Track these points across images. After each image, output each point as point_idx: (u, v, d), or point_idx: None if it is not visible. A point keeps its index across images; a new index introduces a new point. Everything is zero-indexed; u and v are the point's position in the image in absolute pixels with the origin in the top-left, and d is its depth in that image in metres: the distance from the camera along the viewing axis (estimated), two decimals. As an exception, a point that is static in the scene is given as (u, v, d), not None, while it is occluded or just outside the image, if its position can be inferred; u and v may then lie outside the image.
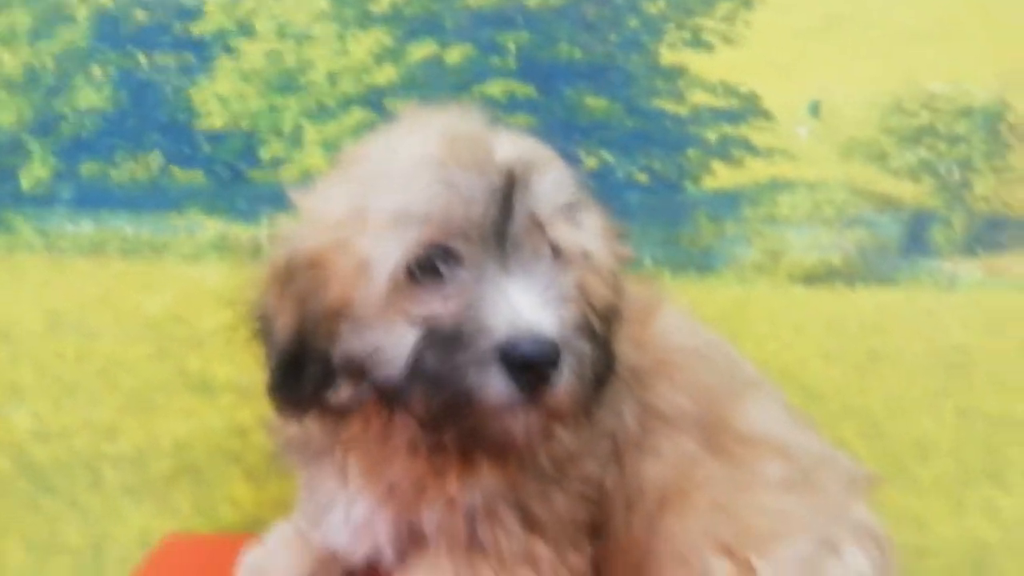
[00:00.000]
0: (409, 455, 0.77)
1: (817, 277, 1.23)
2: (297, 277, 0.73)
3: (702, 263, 1.22)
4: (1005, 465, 1.24)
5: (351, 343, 0.70)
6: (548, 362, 0.64)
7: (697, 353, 0.90)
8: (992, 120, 1.21)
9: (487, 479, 0.78)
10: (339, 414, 0.75)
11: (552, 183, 0.71)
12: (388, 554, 0.86)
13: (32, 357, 1.20)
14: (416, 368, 0.67)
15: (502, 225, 0.68)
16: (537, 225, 0.69)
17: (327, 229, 0.72)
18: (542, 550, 0.81)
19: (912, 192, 1.23)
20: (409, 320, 0.68)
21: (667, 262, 1.21)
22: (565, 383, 0.66)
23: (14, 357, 1.20)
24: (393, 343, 0.68)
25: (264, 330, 0.77)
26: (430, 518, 0.80)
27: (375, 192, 0.71)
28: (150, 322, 1.20)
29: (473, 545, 0.80)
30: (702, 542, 0.80)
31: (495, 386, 0.64)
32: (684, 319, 0.93)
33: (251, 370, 1.16)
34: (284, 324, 0.73)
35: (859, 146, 1.21)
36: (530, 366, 0.64)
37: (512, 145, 0.73)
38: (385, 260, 0.68)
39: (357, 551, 0.88)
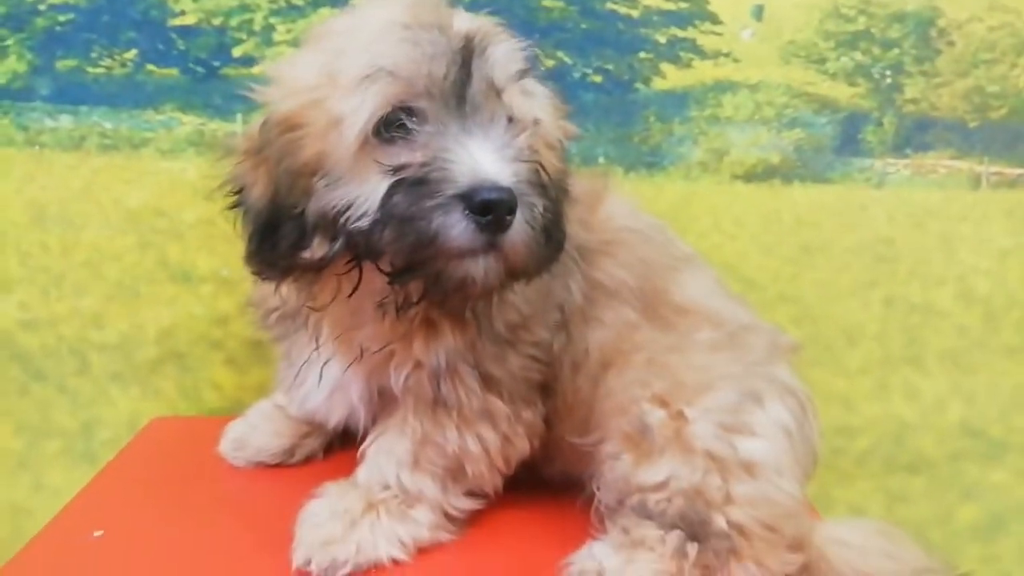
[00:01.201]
0: (377, 318, 0.83)
1: (757, 175, 1.31)
2: (272, 141, 0.78)
3: (651, 161, 1.29)
4: (925, 350, 1.36)
5: (325, 198, 0.76)
6: (506, 207, 0.71)
7: (638, 233, 0.98)
8: (923, 25, 1.29)
9: (449, 342, 0.85)
10: (314, 274, 0.80)
11: (507, 52, 0.78)
12: (361, 415, 0.94)
13: (18, 249, 1.24)
14: (386, 213, 0.73)
15: (462, 87, 0.75)
16: (493, 89, 0.76)
17: (300, 92, 0.77)
18: (499, 407, 0.88)
19: (847, 94, 1.30)
20: (379, 171, 0.74)
21: (619, 160, 1.28)
22: (520, 230, 0.73)
23: (1, 249, 1.23)
24: (365, 193, 0.74)
25: (241, 200, 0.81)
26: (397, 379, 0.87)
27: (345, 56, 0.76)
28: (132, 214, 1.24)
29: (437, 404, 0.88)
30: (639, 395, 0.88)
31: (458, 228, 0.71)
32: (628, 205, 1.01)
33: (230, 261, 1.25)
34: (259, 190, 0.79)
35: (799, 49, 1.28)
36: (489, 210, 0.70)
37: (470, 17, 0.80)
38: (356, 116, 0.74)
39: (332, 414, 0.96)
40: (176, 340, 1.28)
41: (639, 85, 1.26)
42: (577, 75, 1.24)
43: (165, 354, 1.28)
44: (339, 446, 1.10)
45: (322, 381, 0.92)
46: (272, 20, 1.21)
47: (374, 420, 0.95)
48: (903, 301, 1.35)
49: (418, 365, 0.87)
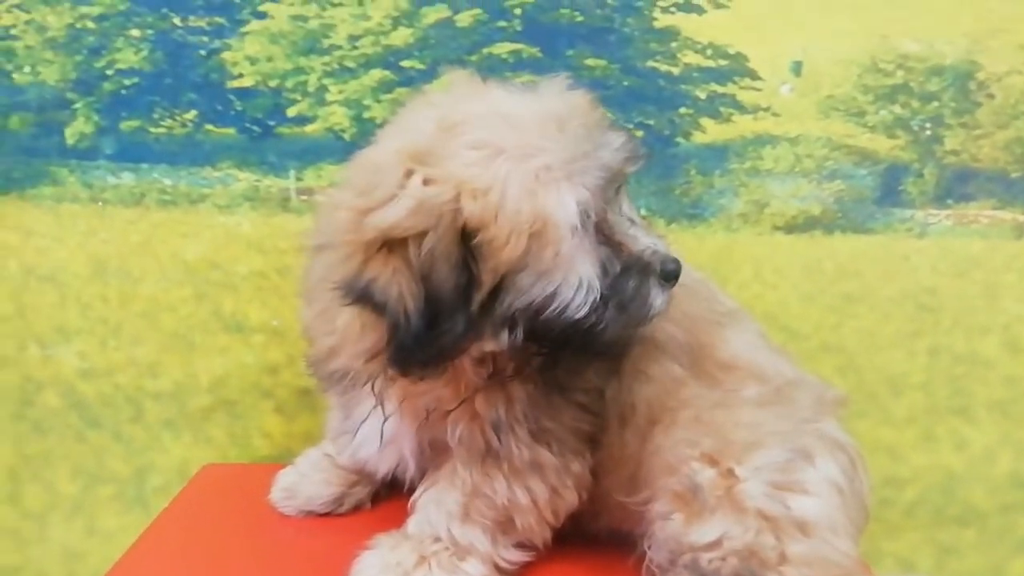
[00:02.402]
0: (450, 382, 0.86)
1: (798, 226, 1.32)
2: (436, 245, 0.76)
3: (692, 213, 1.31)
4: (971, 400, 1.34)
5: (529, 292, 0.77)
6: (680, 271, 0.84)
7: (684, 287, 0.98)
8: (962, 78, 1.30)
9: (511, 394, 0.87)
10: (479, 362, 0.84)
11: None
12: (410, 467, 0.95)
13: (78, 300, 1.29)
14: (610, 297, 0.79)
15: (622, 173, 0.82)
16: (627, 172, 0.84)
17: (478, 194, 0.76)
18: (548, 458, 0.89)
19: (887, 146, 1.31)
20: (593, 261, 0.79)
21: (661, 212, 1.31)
22: None
23: (62, 301, 1.28)
24: (579, 282, 0.78)
25: (377, 301, 0.78)
26: (453, 432, 0.89)
27: (518, 156, 0.77)
28: (188, 267, 1.28)
29: (487, 455, 0.89)
30: (688, 454, 0.88)
31: (660, 298, 0.82)
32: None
33: (281, 312, 1.28)
34: (403, 289, 0.77)
35: (838, 103, 1.30)
36: (674, 277, 0.83)
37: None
38: (564, 213, 0.77)
39: (382, 465, 0.98)
40: (228, 389, 1.31)
41: (680, 139, 1.29)
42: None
43: (217, 402, 1.31)
44: (386, 495, 1.11)
45: (377, 434, 0.93)
46: (325, 81, 1.25)
47: (422, 471, 0.96)
48: (948, 351, 1.34)
49: (474, 417, 0.88)
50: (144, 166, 1.27)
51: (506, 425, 0.88)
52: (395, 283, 0.77)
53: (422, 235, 0.76)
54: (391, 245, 0.77)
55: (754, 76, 1.28)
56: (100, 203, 1.28)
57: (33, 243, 1.27)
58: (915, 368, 1.34)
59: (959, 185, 1.32)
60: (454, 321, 0.77)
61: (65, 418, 1.30)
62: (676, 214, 1.31)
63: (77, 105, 1.25)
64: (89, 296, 1.29)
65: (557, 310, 0.77)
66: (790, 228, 1.32)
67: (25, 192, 1.27)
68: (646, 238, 0.82)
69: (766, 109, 1.29)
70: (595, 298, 0.78)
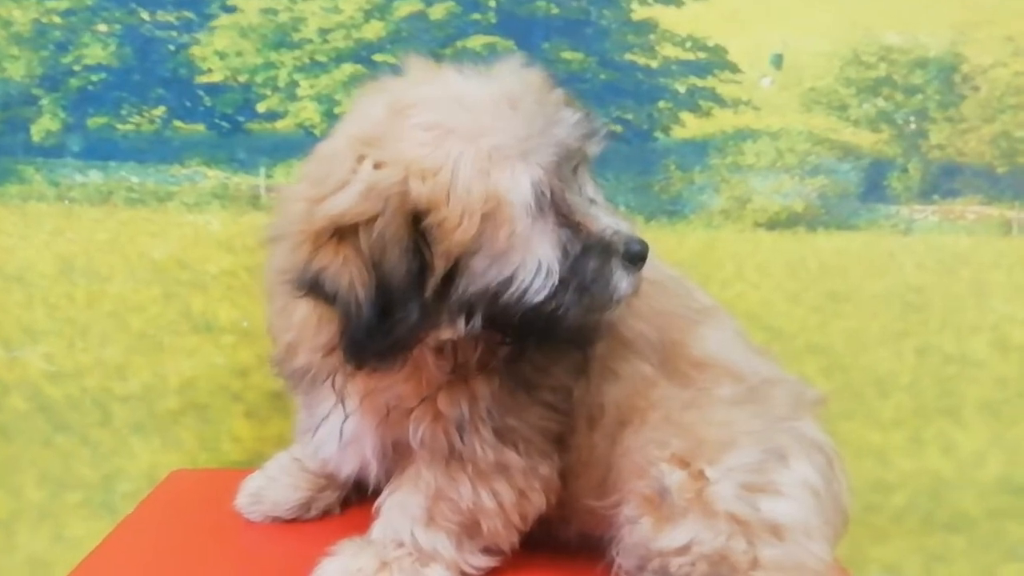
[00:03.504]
0: (410, 377, 0.83)
1: (780, 222, 1.29)
2: (384, 230, 0.73)
3: (672, 210, 1.29)
4: (960, 402, 1.31)
5: (485, 276, 0.74)
6: (647, 253, 0.80)
7: (656, 284, 0.95)
8: (946, 71, 1.28)
9: (475, 391, 0.84)
10: (431, 352, 0.80)
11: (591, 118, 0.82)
12: (374, 468, 0.92)
13: (45, 300, 1.26)
14: (570, 280, 0.76)
15: (580, 151, 0.79)
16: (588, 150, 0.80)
17: (427, 175, 0.73)
18: (515, 460, 0.86)
19: (870, 141, 1.29)
20: (552, 242, 0.76)
21: (640, 208, 1.28)
22: None
23: (28, 300, 1.26)
24: (537, 265, 0.75)
25: (328, 292, 0.76)
26: (415, 433, 0.86)
27: (469, 136, 0.74)
28: (156, 266, 1.26)
29: (452, 457, 0.86)
30: (657, 455, 0.85)
31: (626, 280, 0.78)
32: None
33: (251, 313, 1.26)
34: (354, 277, 0.74)
35: (820, 97, 1.28)
36: (641, 259, 0.79)
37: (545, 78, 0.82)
38: (518, 193, 0.74)
39: (344, 465, 0.95)
40: (197, 391, 1.28)
41: (659, 134, 1.27)
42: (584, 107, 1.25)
43: (186, 405, 1.29)
44: (357, 500, 1.08)
45: (338, 433, 0.90)
46: (296, 76, 1.23)
47: (387, 474, 0.93)
48: (936, 351, 1.31)
49: (437, 417, 0.85)
50: (112, 164, 1.25)
51: (470, 424, 0.85)
52: (345, 272, 0.74)
53: (372, 220, 0.74)
54: (342, 233, 0.75)
55: (734, 69, 1.26)
56: (67, 201, 1.26)
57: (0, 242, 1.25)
58: (902, 368, 1.32)
59: (945, 180, 1.30)
60: (408, 309, 0.74)
61: (32, 421, 1.27)
62: (655, 211, 1.28)
63: (43, 101, 1.23)
64: (56, 296, 1.26)
65: (515, 294, 0.74)
66: (772, 225, 1.30)
67: (-10, 191, 1.25)
68: (608, 218, 0.79)
69: (746, 103, 1.27)
70: (554, 281, 0.75)
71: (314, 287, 0.76)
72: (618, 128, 1.25)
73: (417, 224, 0.74)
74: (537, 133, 0.76)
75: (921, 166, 1.30)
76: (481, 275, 0.74)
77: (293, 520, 1.04)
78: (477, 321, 0.76)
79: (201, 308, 1.27)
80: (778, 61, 1.27)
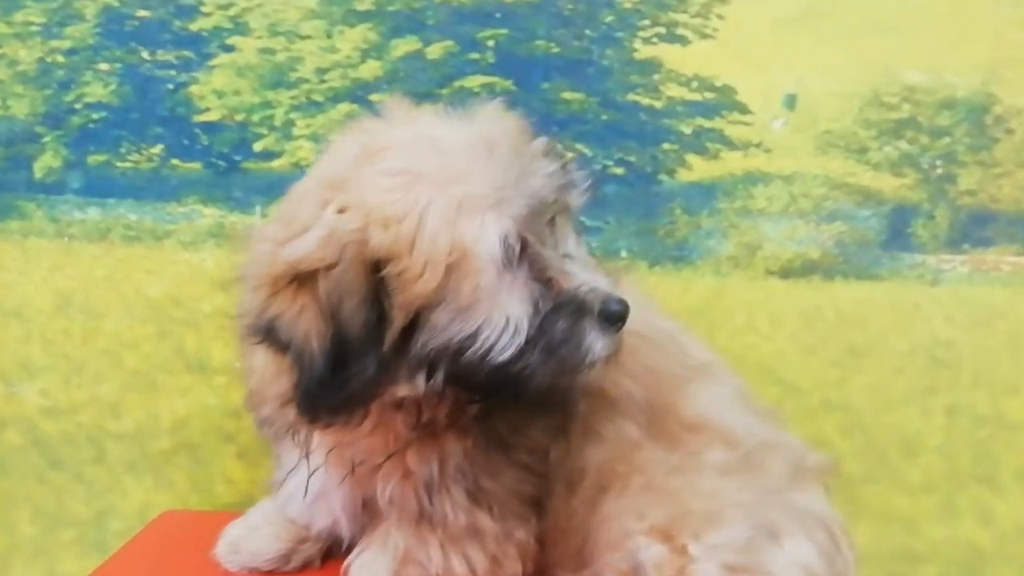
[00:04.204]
0: (376, 432, 0.79)
1: (794, 270, 1.22)
2: (342, 278, 0.70)
3: (678, 255, 1.23)
4: (997, 466, 1.22)
5: (447, 330, 0.70)
6: (626, 313, 0.74)
7: (647, 339, 0.90)
8: (976, 112, 1.20)
9: (447, 450, 0.80)
10: (394, 407, 0.76)
11: (577, 171, 0.79)
12: (344, 524, 0.89)
13: (43, 336, 1.27)
14: (538, 338, 0.71)
15: (556, 203, 0.75)
16: (566, 200, 0.76)
17: (391, 222, 0.70)
18: (488, 524, 0.82)
19: (893, 186, 1.22)
20: (521, 298, 0.71)
21: (643, 254, 1.23)
22: None
23: (27, 336, 1.27)
24: (504, 321, 0.70)
25: (282, 340, 0.73)
26: (383, 491, 0.82)
27: (439, 183, 0.71)
28: (151, 304, 1.26)
29: (422, 518, 0.82)
30: (634, 527, 0.80)
31: (601, 341, 0.73)
32: (641, 305, 0.94)
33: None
34: (310, 326, 0.71)
35: (837, 139, 1.21)
36: (619, 319, 0.74)
37: (520, 126, 0.78)
38: (485, 245, 0.70)
39: (314, 521, 0.92)
40: (190, 431, 1.27)
41: (663, 176, 1.22)
42: (598, 167, 1.21)
43: (179, 445, 1.27)
44: (340, 553, 1.04)
45: (305, 488, 0.86)
46: (292, 115, 1.23)
47: (361, 530, 0.89)
48: (968, 411, 1.22)
49: (406, 475, 0.81)
50: (110, 201, 1.25)
51: (440, 484, 0.81)
52: (301, 320, 0.71)
53: (331, 268, 0.70)
54: (301, 279, 0.72)
55: (743, 110, 1.21)
56: (66, 238, 1.27)
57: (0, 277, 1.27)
58: (931, 429, 1.22)
59: (976, 228, 1.21)
60: (364, 362, 0.70)
61: (27, 457, 1.27)
62: (660, 256, 1.23)
63: (46, 139, 1.25)
64: (53, 332, 1.27)
65: (479, 351, 0.70)
66: (786, 273, 1.23)
67: (-7, 226, 1.27)
68: (584, 274, 0.74)
69: (757, 145, 1.21)
70: (521, 340, 0.70)
71: (269, 334, 0.73)
72: (620, 170, 1.21)
73: (376, 273, 0.70)
74: (511, 183, 0.72)
75: (949, 213, 1.21)
76: (443, 330, 0.70)
77: (272, 571, 1.00)
78: (439, 378, 0.71)
79: (194, 347, 1.26)
80: (791, 102, 1.21)
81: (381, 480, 0.82)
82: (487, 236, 0.70)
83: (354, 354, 0.70)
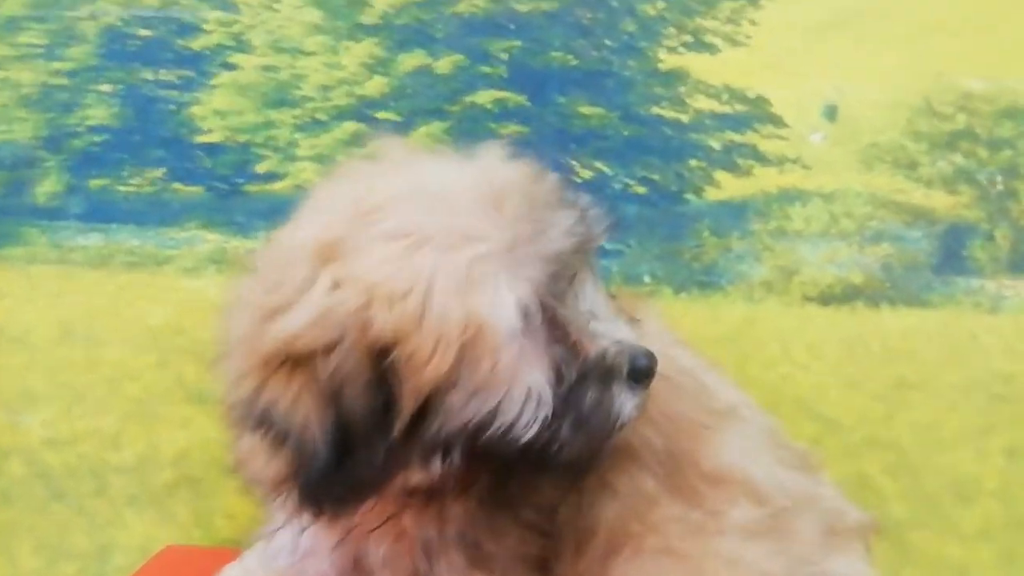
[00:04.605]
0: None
1: (835, 296, 1.13)
2: (343, 364, 0.63)
3: (706, 281, 1.15)
4: (1063, 512, 1.11)
5: (463, 412, 0.63)
6: (655, 366, 0.69)
7: (668, 381, 0.82)
8: (1041, 122, 1.10)
9: (449, 511, 0.73)
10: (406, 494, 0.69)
11: (588, 206, 0.71)
12: (333, 585, 0.83)
13: (45, 364, 1.24)
14: (568, 409, 0.65)
15: (576, 256, 0.67)
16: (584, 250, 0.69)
17: (395, 300, 0.62)
18: None
19: (947, 203, 1.12)
20: (543, 368, 0.64)
21: (668, 279, 1.15)
22: None
23: (29, 364, 1.24)
24: (525, 393, 0.64)
25: (279, 429, 0.66)
26: (376, 551, 0.76)
27: (444, 247, 0.63)
28: (152, 333, 1.22)
29: None
30: None
31: (631, 403, 0.68)
32: (660, 341, 0.87)
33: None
34: (308, 412, 0.64)
35: (882, 153, 1.12)
36: (647, 376, 0.69)
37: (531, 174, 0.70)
38: (505, 317, 0.62)
39: None
40: (191, 464, 1.23)
41: (689, 196, 1.14)
42: (618, 186, 1.14)
43: (180, 478, 1.23)
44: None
45: (293, 544, 0.81)
46: (296, 136, 1.18)
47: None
48: (1031, 452, 1.11)
49: (401, 536, 0.75)
50: (112, 226, 1.22)
51: (439, 547, 0.74)
52: (299, 407, 0.63)
53: (328, 350, 0.62)
54: (295, 361, 0.63)
55: (778, 123, 1.12)
56: (68, 264, 1.24)
57: (2, 304, 1.25)
58: (988, 471, 1.12)
59: (1041, 250, 1.11)
60: (371, 450, 0.63)
61: (31, 488, 1.25)
62: (685, 282, 1.14)
63: (48, 163, 1.22)
64: (56, 360, 1.24)
65: (500, 431, 0.63)
66: (826, 299, 1.13)
67: (-5, 252, 1.26)
68: (610, 332, 0.67)
69: (794, 160, 1.12)
70: (547, 413, 0.63)
71: (263, 423, 0.65)
72: (643, 190, 1.13)
73: (382, 358, 0.62)
74: (526, 241, 0.64)
75: (1011, 233, 1.11)
76: (459, 412, 0.63)
77: (270, 618, 0.97)
78: (455, 459, 0.64)
79: (195, 377, 1.21)
80: (831, 113, 1.12)
81: (374, 541, 0.75)
82: (503, 306, 0.62)
83: (360, 442, 0.63)
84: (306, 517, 0.76)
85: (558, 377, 0.64)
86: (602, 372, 0.66)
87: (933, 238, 1.12)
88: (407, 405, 0.62)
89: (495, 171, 0.68)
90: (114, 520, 1.24)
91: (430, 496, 0.70)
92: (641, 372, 0.67)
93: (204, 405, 1.22)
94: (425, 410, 0.62)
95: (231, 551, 1.02)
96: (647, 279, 1.14)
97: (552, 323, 0.65)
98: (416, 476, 0.65)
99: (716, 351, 0.90)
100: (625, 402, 0.67)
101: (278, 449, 0.66)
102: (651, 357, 0.68)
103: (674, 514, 0.75)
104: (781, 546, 0.73)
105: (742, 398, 0.86)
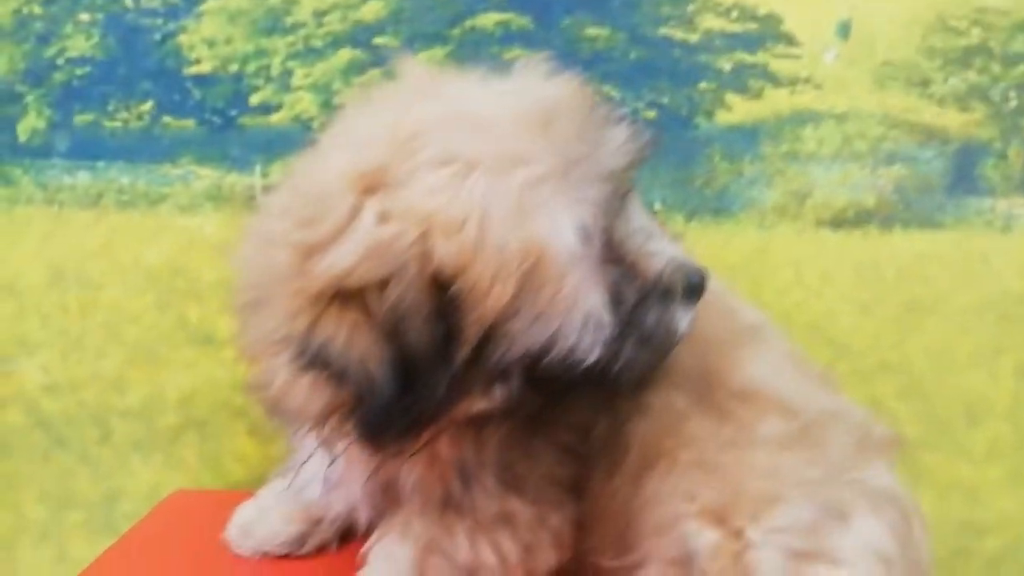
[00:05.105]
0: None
1: (848, 220, 1.12)
2: (402, 297, 0.61)
3: (718, 206, 1.13)
4: (1071, 430, 1.12)
5: (524, 339, 0.62)
6: (707, 282, 0.70)
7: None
8: (1057, 37, 1.07)
9: (483, 437, 0.72)
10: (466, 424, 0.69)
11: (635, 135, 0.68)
12: (363, 511, 0.83)
13: (38, 311, 1.21)
14: (630, 331, 0.65)
15: (625, 175, 0.66)
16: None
17: (453, 230, 0.60)
18: (521, 510, 0.75)
19: (959, 122, 1.10)
20: (603, 292, 0.63)
21: (679, 205, 1.13)
22: None
23: (20, 310, 1.21)
24: (584, 318, 0.62)
25: (336, 367, 0.63)
26: (407, 475, 0.76)
27: (496, 172, 0.60)
28: (151, 273, 1.19)
29: (448, 505, 0.75)
30: (685, 509, 0.72)
31: (684, 319, 0.69)
32: None
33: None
34: (376, 353, 0.62)
35: (896, 71, 1.09)
36: (698, 292, 0.69)
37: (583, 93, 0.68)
38: (564, 241, 0.61)
39: (331, 508, 0.87)
40: (197, 407, 1.21)
41: (700, 119, 1.11)
42: (627, 111, 1.10)
43: (186, 422, 1.21)
44: (356, 536, 0.98)
45: (323, 472, 0.80)
46: (290, 64, 1.13)
47: (380, 514, 0.83)
48: (1040, 370, 1.12)
49: (434, 461, 0.74)
50: (100, 164, 1.17)
51: (474, 471, 0.73)
52: (356, 344, 0.61)
53: (383, 284, 0.60)
54: (345, 296, 0.61)
55: (790, 41, 1.09)
56: (56, 205, 1.19)
57: (-11, 249, 1.21)
58: (999, 392, 1.13)
59: (1054, 168, 1.10)
60: (434, 382, 0.61)
61: (31, 437, 1.22)
62: (697, 208, 1.13)
63: (28, 99, 1.17)
64: (49, 305, 1.20)
65: (560, 355, 0.62)
66: (838, 223, 1.12)
67: (-22, 195, 1.20)
68: (664, 251, 0.67)
69: (806, 80, 1.10)
70: (606, 335, 0.62)
71: (319, 362, 0.63)
72: (652, 114, 1.10)
73: (444, 289, 0.60)
74: (578, 161, 0.62)
75: (1024, 151, 1.10)
76: (521, 338, 0.61)
77: (285, 555, 0.95)
78: (515, 386, 0.63)
79: (198, 318, 1.19)
80: (845, 31, 1.09)
81: (406, 466, 0.75)
82: (562, 231, 0.60)
83: (421, 375, 0.61)
84: (338, 447, 0.76)
85: (616, 299, 0.64)
86: (662, 293, 0.66)
87: (945, 158, 1.11)
88: (470, 335, 0.60)
89: (537, 89, 0.65)
90: (120, 466, 1.22)
91: (477, 422, 0.69)
92: (695, 287, 0.68)
93: (209, 347, 1.20)
94: (487, 339, 0.61)
95: (241, 493, 1.02)
96: (658, 205, 1.12)
97: (608, 244, 0.64)
98: (478, 404, 0.65)
99: (729, 277, 0.88)
100: (682, 318, 0.68)
101: (337, 386, 0.64)
102: (702, 274, 0.68)
103: (706, 429, 0.75)
104: (816, 455, 0.73)
105: (763, 319, 0.86)
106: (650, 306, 0.66)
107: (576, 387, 0.66)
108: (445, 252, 0.59)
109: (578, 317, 0.62)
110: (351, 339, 0.61)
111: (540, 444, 0.75)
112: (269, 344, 0.66)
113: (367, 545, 0.82)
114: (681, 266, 0.67)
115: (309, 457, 0.79)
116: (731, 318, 0.83)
